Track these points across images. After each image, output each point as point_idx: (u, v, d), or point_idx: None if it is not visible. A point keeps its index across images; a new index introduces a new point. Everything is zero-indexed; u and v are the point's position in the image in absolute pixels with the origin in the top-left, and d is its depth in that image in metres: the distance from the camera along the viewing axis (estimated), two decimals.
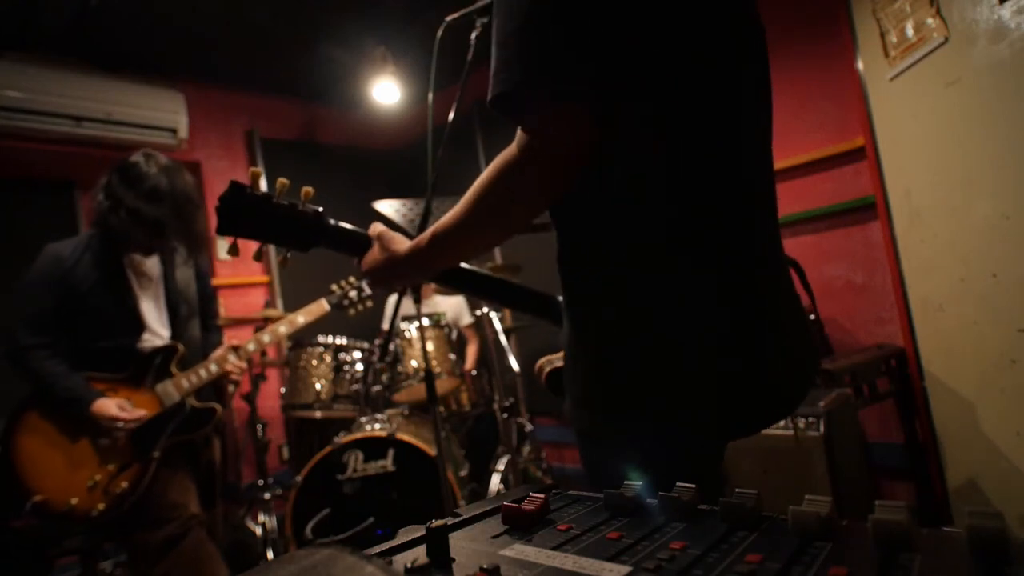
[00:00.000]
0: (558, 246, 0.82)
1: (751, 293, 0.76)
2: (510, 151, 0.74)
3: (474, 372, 3.20)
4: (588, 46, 0.66)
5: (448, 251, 0.87)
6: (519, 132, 0.72)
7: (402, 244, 0.94)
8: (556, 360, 1.07)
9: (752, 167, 0.79)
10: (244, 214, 0.96)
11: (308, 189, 1.00)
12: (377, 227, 0.99)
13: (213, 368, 1.96)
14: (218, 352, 2.01)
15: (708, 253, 0.73)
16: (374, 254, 0.97)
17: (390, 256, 0.94)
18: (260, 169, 0.99)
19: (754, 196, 0.79)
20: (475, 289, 1.06)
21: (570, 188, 0.74)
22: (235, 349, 2.02)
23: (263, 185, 0.99)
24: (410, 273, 0.94)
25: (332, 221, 1.01)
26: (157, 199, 1.84)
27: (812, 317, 2.40)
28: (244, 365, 2.03)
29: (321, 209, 0.99)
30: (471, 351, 3.49)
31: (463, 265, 1.03)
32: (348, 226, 1.02)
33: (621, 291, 0.75)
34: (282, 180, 0.98)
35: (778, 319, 0.79)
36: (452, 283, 1.05)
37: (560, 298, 0.90)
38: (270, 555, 2.70)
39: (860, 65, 2.30)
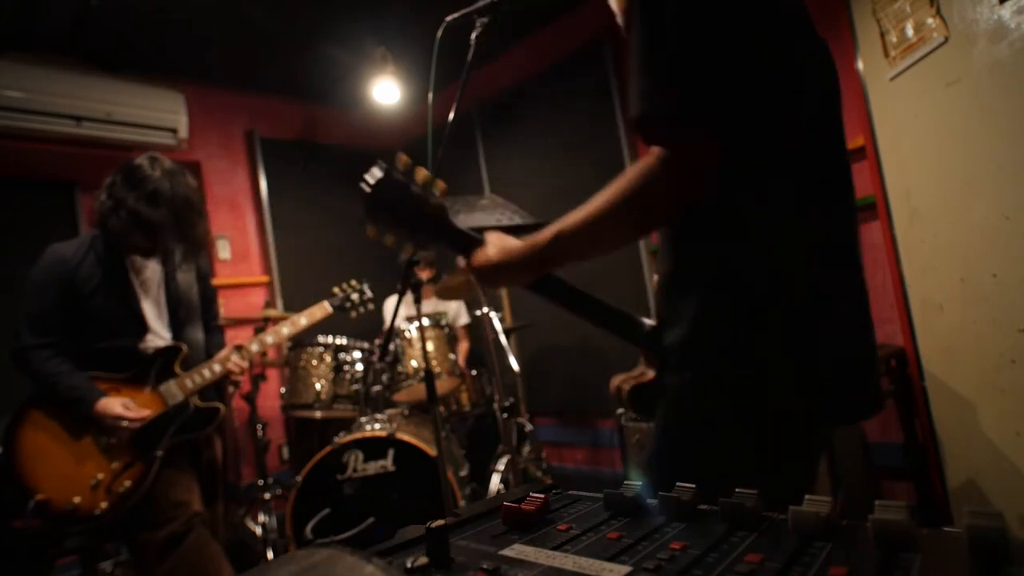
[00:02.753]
0: (679, 251, 0.87)
1: (860, 291, 0.86)
2: (647, 164, 0.79)
3: (474, 372, 3.20)
4: (730, 77, 0.74)
5: (568, 251, 0.91)
6: (654, 149, 0.78)
7: (516, 242, 0.97)
8: (631, 379, 1.07)
9: (848, 179, 0.92)
10: (385, 201, 0.95)
11: (442, 185, 1.00)
12: (493, 232, 1.02)
13: (217, 368, 1.96)
14: (223, 352, 2.01)
15: (830, 253, 0.84)
16: (486, 252, 0.99)
17: (504, 252, 0.96)
18: (408, 158, 0.98)
19: (851, 204, 0.92)
20: (564, 300, 1.04)
21: (701, 202, 0.81)
22: (239, 349, 2.02)
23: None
24: (522, 271, 0.96)
25: (454, 220, 1.02)
26: (157, 202, 1.84)
27: None
28: (246, 365, 2.04)
29: (446, 206, 0.99)
30: (461, 349, 3.50)
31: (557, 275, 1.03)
32: (466, 228, 1.03)
33: (756, 284, 0.81)
34: (423, 171, 0.97)
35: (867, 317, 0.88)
36: (546, 291, 1.03)
37: (645, 320, 0.97)
38: (270, 555, 2.70)
39: (860, 65, 2.30)
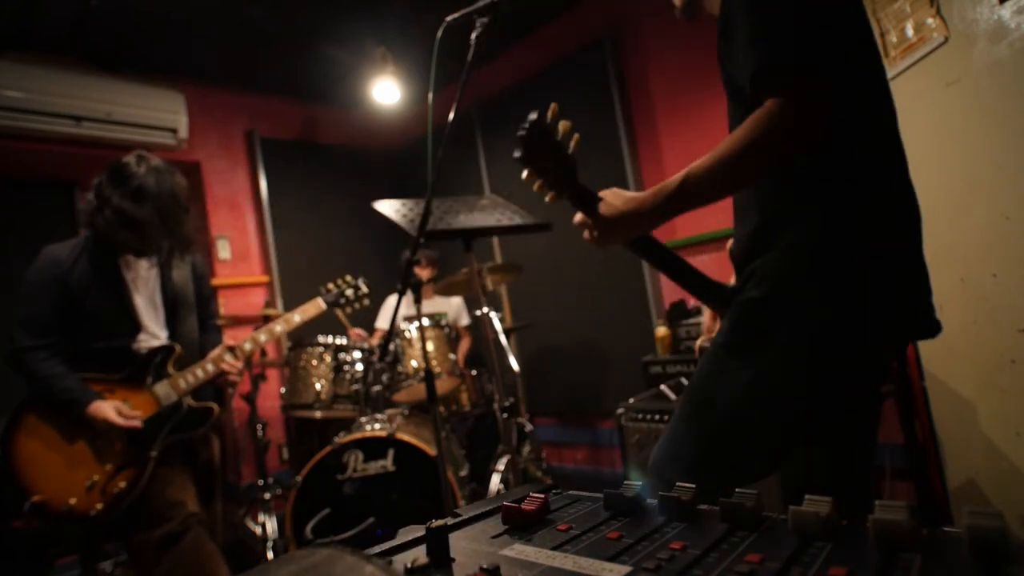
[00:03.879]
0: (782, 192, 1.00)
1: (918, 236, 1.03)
2: (769, 110, 0.88)
3: (474, 372, 3.20)
4: (840, 30, 0.91)
5: (697, 193, 0.98)
6: (774, 100, 0.88)
7: (639, 193, 1.05)
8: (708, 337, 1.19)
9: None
10: (540, 145, 1.04)
11: (577, 136, 1.08)
12: (607, 191, 1.09)
13: (210, 368, 1.96)
14: (215, 352, 2.00)
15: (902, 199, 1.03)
16: (612, 203, 1.06)
17: (633, 200, 1.04)
18: (557, 106, 1.06)
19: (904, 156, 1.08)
20: (659, 260, 1.14)
21: (819, 142, 0.90)
22: (231, 349, 2.01)
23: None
24: (650, 216, 1.03)
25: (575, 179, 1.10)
26: (142, 199, 1.83)
27: None
28: (240, 364, 2.03)
29: (576, 161, 1.07)
30: (462, 348, 3.50)
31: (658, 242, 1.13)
32: (585, 186, 1.10)
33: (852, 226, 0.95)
34: (565, 122, 1.06)
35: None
36: (646, 250, 1.11)
37: (726, 284, 1.12)
38: (270, 555, 2.70)
39: None
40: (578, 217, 1.12)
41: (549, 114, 1.06)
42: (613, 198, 1.07)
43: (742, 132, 0.91)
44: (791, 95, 0.87)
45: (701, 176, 0.97)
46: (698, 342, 1.25)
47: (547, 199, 1.10)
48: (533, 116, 1.04)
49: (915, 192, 1.06)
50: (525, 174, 1.08)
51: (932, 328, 1.01)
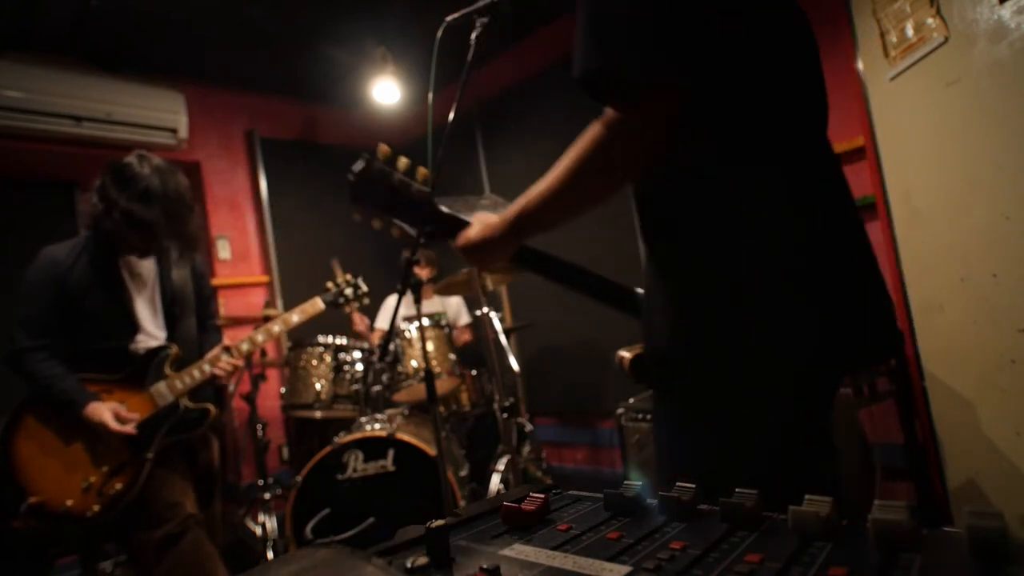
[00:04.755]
0: (646, 219, 0.87)
1: (843, 250, 0.82)
2: (597, 130, 0.78)
3: (474, 372, 3.20)
4: (681, 31, 0.70)
5: (536, 220, 0.92)
6: (608, 110, 0.76)
7: (495, 218, 1.00)
8: (634, 349, 1.11)
9: (817, 142, 0.85)
10: (370, 188, 1.03)
11: (424, 171, 1.07)
12: (478, 214, 1.06)
13: (207, 368, 1.96)
14: (212, 352, 2.00)
15: (797, 220, 0.79)
16: (467, 232, 1.03)
17: (482, 230, 1.00)
18: (388, 148, 1.05)
19: (828, 168, 0.85)
20: (551, 272, 1.10)
21: (659, 163, 0.79)
22: (227, 349, 2.01)
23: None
24: (498, 245, 0.99)
25: (441, 206, 1.08)
26: (149, 200, 1.83)
27: None
28: (239, 363, 2.02)
29: (430, 190, 1.07)
30: (462, 339, 3.51)
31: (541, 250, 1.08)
32: (452, 212, 1.08)
33: (723, 257, 0.79)
34: (404, 159, 1.04)
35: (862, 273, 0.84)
36: (530, 264, 1.08)
37: (638, 289, 0.99)
38: (270, 555, 2.70)
39: (860, 65, 2.30)
40: (452, 244, 1.09)
41: (380, 155, 1.03)
42: (473, 226, 1.02)
43: (572, 152, 0.81)
44: (625, 109, 0.73)
45: (536, 202, 0.89)
46: (620, 352, 1.14)
47: (393, 234, 1.09)
48: (361, 164, 1.02)
49: (840, 201, 0.88)
50: (357, 217, 1.07)
51: (877, 347, 0.87)
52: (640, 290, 1.05)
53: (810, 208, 0.81)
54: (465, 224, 1.05)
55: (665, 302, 0.85)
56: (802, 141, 0.83)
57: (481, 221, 1.02)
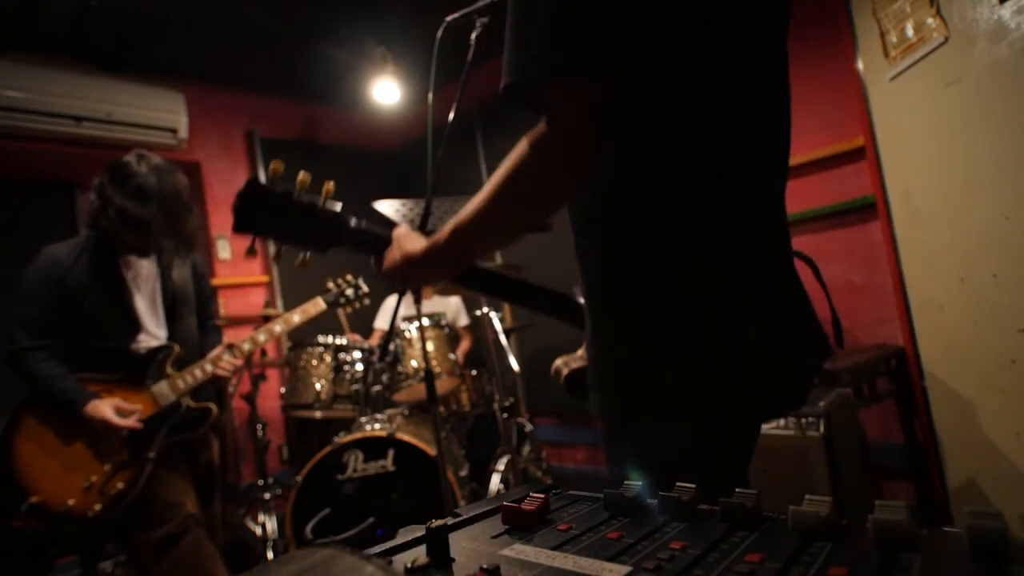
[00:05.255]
0: (583, 238, 0.83)
1: (772, 274, 0.84)
2: (523, 144, 0.74)
3: (474, 372, 3.20)
4: (600, 31, 0.67)
5: (467, 246, 0.86)
6: (538, 126, 0.73)
7: (419, 242, 0.91)
8: (573, 361, 1.06)
9: (769, 157, 0.86)
10: (261, 212, 0.92)
11: (329, 187, 0.96)
12: (400, 228, 0.98)
13: (208, 368, 1.96)
14: (214, 352, 2.01)
15: (735, 234, 0.79)
16: (392, 254, 0.95)
17: (407, 255, 0.92)
18: (281, 164, 0.95)
19: (767, 184, 0.87)
20: (492, 289, 1.04)
21: (587, 175, 0.74)
22: (230, 348, 2.01)
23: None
24: (429, 271, 0.92)
25: (353, 221, 0.98)
26: (144, 198, 1.83)
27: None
28: (240, 364, 2.03)
29: (340, 208, 0.97)
30: (462, 347, 3.50)
31: (480, 265, 1.02)
32: (368, 227, 0.99)
33: (658, 276, 0.77)
34: (303, 177, 0.95)
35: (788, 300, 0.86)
36: (469, 283, 1.02)
37: (580, 299, 0.93)
38: (270, 555, 2.70)
39: (860, 65, 2.30)
40: (372, 263, 1.00)
41: (271, 174, 0.93)
42: (395, 248, 0.94)
43: (500, 170, 0.76)
44: (548, 124, 0.70)
45: (465, 225, 0.82)
46: (557, 363, 1.07)
47: (296, 261, 0.99)
48: (246, 185, 0.92)
49: (769, 218, 0.89)
50: (248, 247, 0.95)
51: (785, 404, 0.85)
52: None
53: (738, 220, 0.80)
54: (388, 241, 0.96)
55: (642, 307, 0.80)
56: (746, 151, 0.81)
57: (401, 246, 0.93)
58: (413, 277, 0.94)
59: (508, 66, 0.69)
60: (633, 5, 0.68)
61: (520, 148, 0.75)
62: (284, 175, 0.95)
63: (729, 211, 0.80)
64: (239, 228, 0.93)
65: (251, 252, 0.96)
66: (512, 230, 0.85)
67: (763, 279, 0.83)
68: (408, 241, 0.94)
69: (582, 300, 0.98)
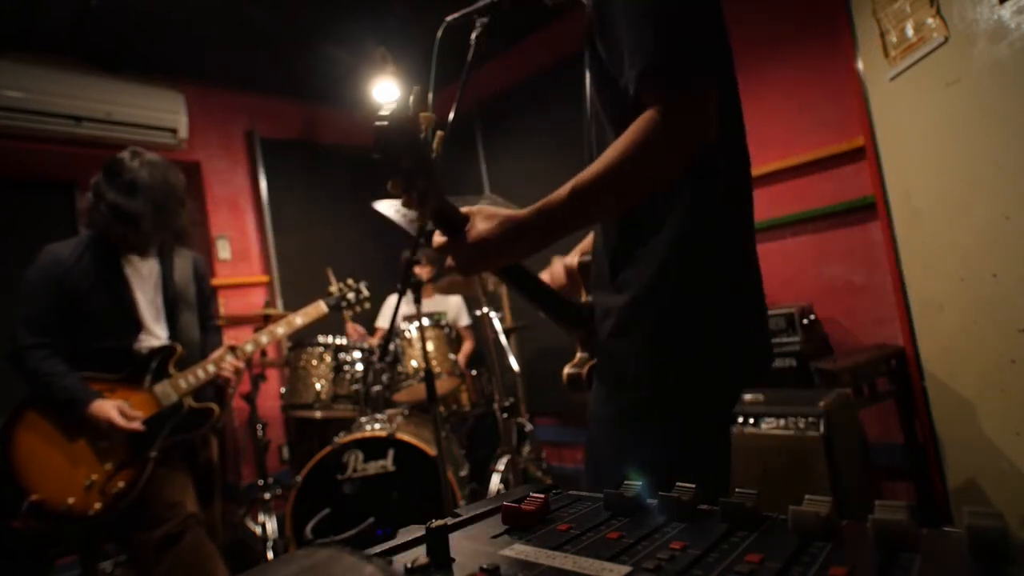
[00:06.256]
0: (621, 234, 0.94)
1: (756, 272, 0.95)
2: (648, 124, 0.80)
3: (474, 372, 3.19)
4: (709, 33, 0.86)
5: (586, 208, 0.84)
6: (659, 106, 0.80)
7: (514, 211, 0.87)
8: (573, 365, 1.13)
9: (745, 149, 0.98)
10: (401, 142, 0.81)
11: (441, 134, 0.86)
12: (476, 207, 0.91)
13: (211, 368, 1.96)
14: (216, 352, 2.01)
15: (744, 233, 0.94)
16: (480, 227, 0.87)
17: (503, 221, 0.86)
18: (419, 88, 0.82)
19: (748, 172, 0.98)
20: (527, 291, 1.01)
21: (696, 162, 0.83)
22: (232, 349, 2.02)
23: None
24: (526, 242, 0.86)
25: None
26: (135, 193, 1.84)
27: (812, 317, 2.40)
28: (241, 365, 2.03)
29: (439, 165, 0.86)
30: (464, 349, 3.50)
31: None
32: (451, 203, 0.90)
33: (684, 271, 0.88)
34: (427, 114, 0.82)
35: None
36: (513, 280, 0.98)
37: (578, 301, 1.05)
38: (270, 555, 2.70)
39: (860, 65, 2.30)
40: (438, 239, 0.92)
41: (411, 100, 0.81)
42: (482, 219, 0.87)
43: (624, 141, 0.82)
44: (676, 102, 0.80)
45: (587, 188, 0.83)
46: (566, 369, 1.13)
47: (417, 220, 0.90)
48: (390, 106, 0.80)
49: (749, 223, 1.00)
50: (390, 184, 0.85)
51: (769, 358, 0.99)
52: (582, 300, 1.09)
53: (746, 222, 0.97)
54: (463, 219, 0.89)
55: (653, 305, 0.90)
56: (743, 152, 0.96)
57: (493, 215, 0.87)
58: (506, 248, 0.87)
59: (649, 52, 0.80)
60: (716, 23, 0.89)
61: (640, 134, 0.80)
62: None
63: (732, 212, 0.91)
64: (380, 151, 0.82)
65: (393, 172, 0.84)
66: (625, 195, 0.85)
67: (754, 277, 0.95)
68: (497, 211, 0.88)
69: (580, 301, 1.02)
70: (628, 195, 0.85)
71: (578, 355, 1.09)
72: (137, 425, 1.78)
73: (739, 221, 0.94)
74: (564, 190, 0.84)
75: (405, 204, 0.87)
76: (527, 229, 0.85)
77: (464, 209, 0.89)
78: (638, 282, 0.90)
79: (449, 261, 0.92)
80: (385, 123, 0.80)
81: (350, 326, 3.19)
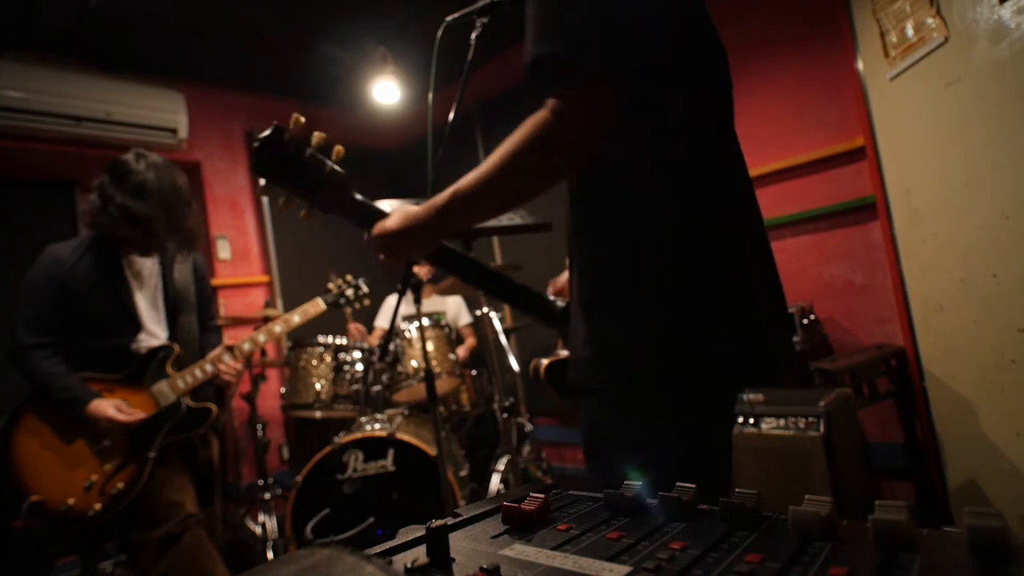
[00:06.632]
0: (577, 221, 0.88)
1: (755, 264, 0.87)
2: (541, 116, 0.78)
3: (474, 372, 3.19)
4: (627, 31, 0.74)
5: (467, 209, 0.89)
6: (553, 101, 0.77)
7: (417, 208, 0.94)
8: (545, 359, 1.09)
9: (735, 150, 0.90)
10: (276, 159, 0.96)
11: (339, 149, 1.01)
12: (397, 203, 1.01)
13: (209, 368, 1.96)
14: (214, 352, 2.01)
15: (718, 227, 0.83)
16: (384, 222, 0.97)
17: (404, 217, 0.94)
18: (302, 117, 1.00)
19: (740, 174, 0.90)
20: (472, 278, 1.07)
21: (594, 161, 0.81)
22: (230, 349, 2.02)
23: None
24: (422, 235, 0.93)
25: (357, 194, 1.03)
26: (144, 196, 1.84)
27: (812, 317, 2.40)
28: (239, 365, 2.03)
29: (344, 173, 1.01)
30: (466, 346, 3.50)
31: (463, 252, 1.06)
32: (369, 201, 1.03)
33: (653, 264, 0.81)
34: (319, 135, 0.98)
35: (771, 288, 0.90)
36: (450, 267, 1.05)
37: (557, 301, 1.01)
38: (270, 555, 2.70)
39: (860, 65, 2.30)
40: (365, 236, 1.02)
41: (293, 125, 0.97)
42: (392, 216, 0.96)
43: (510, 139, 0.81)
44: (563, 102, 0.76)
45: (470, 188, 0.87)
46: (533, 362, 1.12)
47: (300, 216, 1.03)
48: (268, 131, 0.95)
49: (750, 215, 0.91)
50: (262, 188, 1.00)
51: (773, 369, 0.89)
52: (556, 299, 1.06)
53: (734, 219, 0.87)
54: (383, 215, 0.99)
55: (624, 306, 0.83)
56: (711, 154, 0.86)
57: (399, 212, 0.97)
58: (405, 242, 0.95)
59: (546, 41, 0.74)
60: (653, 18, 0.76)
61: (531, 127, 0.79)
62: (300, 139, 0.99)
63: (701, 212, 0.83)
64: (256, 169, 0.97)
65: (263, 193, 1.00)
66: (506, 202, 0.89)
67: (740, 279, 0.85)
68: (406, 209, 0.96)
69: (556, 300, 1.01)
70: (504, 201, 0.88)
71: (560, 352, 1.10)
72: (138, 416, 1.79)
73: (713, 221, 0.84)
74: (446, 193, 0.90)
75: (304, 218, 1.02)
76: (422, 225, 0.92)
77: (389, 208, 0.99)
78: (599, 293, 0.86)
79: (374, 251, 1.00)
80: (258, 144, 0.94)
81: (352, 325, 3.19)
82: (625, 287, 0.83)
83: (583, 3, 0.73)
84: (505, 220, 1.92)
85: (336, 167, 1.00)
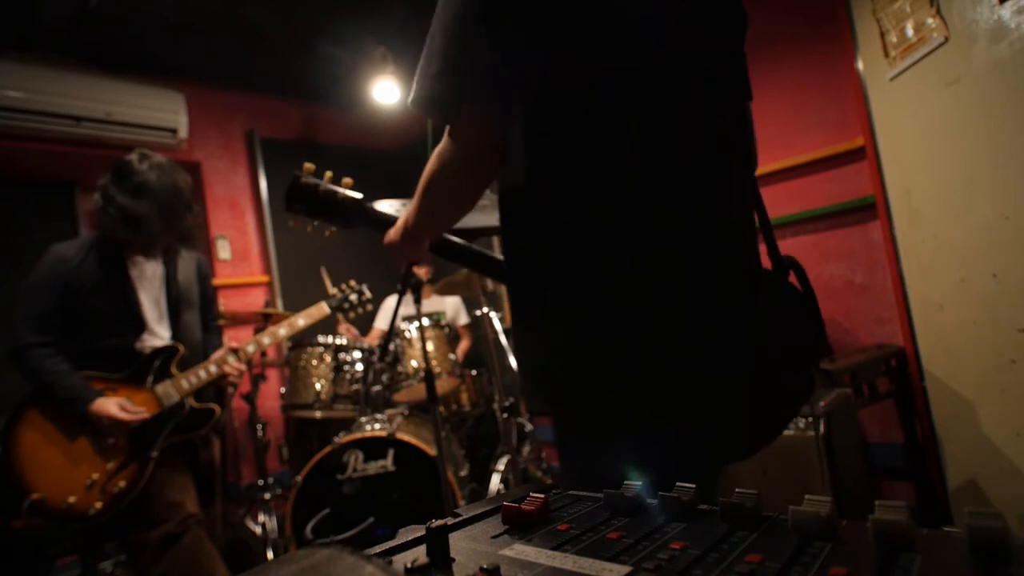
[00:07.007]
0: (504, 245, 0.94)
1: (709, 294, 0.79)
2: (443, 142, 0.88)
3: (474, 372, 3.19)
4: (502, 52, 0.77)
5: (420, 227, 1.03)
6: (444, 137, 0.87)
7: (400, 223, 1.11)
8: None
9: (705, 169, 0.83)
10: (299, 198, 1.21)
11: (347, 181, 1.25)
12: (397, 204, 1.20)
13: (213, 369, 1.96)
14: (218, 353, 2.01)
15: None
16: (389, 231, 1.14)
17: (395, 228, 1.11)
18: (312, 166, 1.24)
19: (706, 202, 0.82)
20: (465, 261, 1.22)
21: (490, 176, 0.89)
22: (234, 351, 2.02)
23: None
24: (406, 246, 1.08)
25: (371, 204, 1.23)
26: (143, 195, 1.85)
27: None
28: (243, 367, 2.03)
29: (360, 196, 1.23)
30: (461, 347, 3.50)
31: (455, 240, 1.20)
32: (383, 211, 1.22)
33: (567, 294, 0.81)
34: (328, 173, 1.24)
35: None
36: (447, 256, 1.20)
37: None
38: (270, 555, 2.70)
39: (860, 65, 2.30)
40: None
41: (305, 171, 1.23)
42: (395, 226, 1.12)
43: (427, 166, 0.92)
44: (452, 124, 0.85)
45: (414, 211, 1.01)
46: None
47: (326, 234, 1.29)
48: (290, 181, 1.20)
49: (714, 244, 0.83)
50: (293, 222, 1.28)
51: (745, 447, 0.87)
52: None
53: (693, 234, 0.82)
54: (394, 223, 1.16)
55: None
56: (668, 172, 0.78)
57: (400, 220, 1.11)
58: (398, 250, 1.11)
59: (418, 80, 0.85)
60: (537, 26, 0.75)
61: (434, 158, 0.90)
62: (318, 173, 1.26)
63: (684, 215, 0.79)
64: (289, 209, 1.22)
65: (294, 215, 1.24)
66: (445, 218, 1.00)
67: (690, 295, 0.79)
68: (401, 219, 1.12)
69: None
70: (438, 221, 1.01)
71: None
72: (142, 415, 1.79)
73: (670, 229, 0.78)
74: (402, 217, 1.06)
75: (328, 235, 1.31)
76: (405, 233, 1.07)
77: (390, 208, 1.22)
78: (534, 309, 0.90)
79: (385, 254, 1.16)
80: (287, 192, 1.21)
81: (343, 327, 3.19)
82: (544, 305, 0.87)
83: (437, 49, 0.81)
84: (494, 221, 1.93)
85: (348, 192, 1.22)
